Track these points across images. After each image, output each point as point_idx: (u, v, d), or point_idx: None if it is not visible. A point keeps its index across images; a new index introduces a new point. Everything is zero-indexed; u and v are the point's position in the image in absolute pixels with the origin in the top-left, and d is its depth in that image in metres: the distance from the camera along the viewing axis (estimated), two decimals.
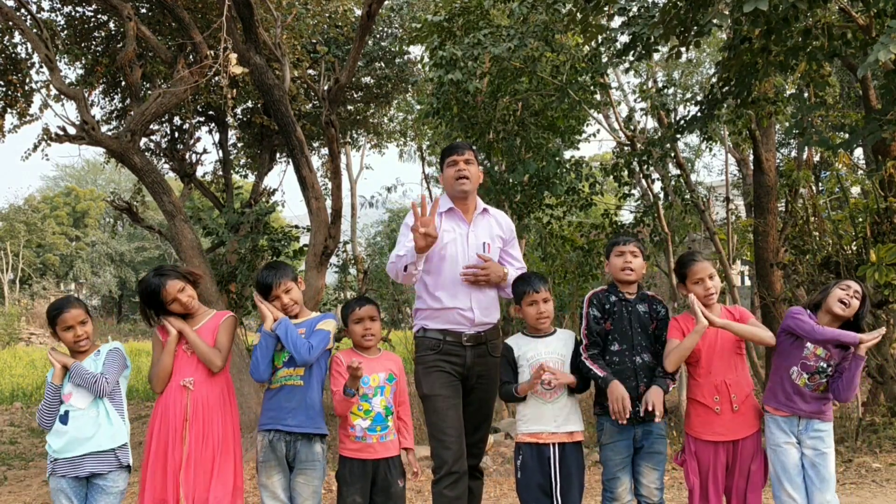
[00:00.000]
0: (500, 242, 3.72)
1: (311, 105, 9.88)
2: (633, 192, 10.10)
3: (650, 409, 3.35)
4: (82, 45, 8.87)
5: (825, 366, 3.41)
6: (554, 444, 3.40)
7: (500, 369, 3.59)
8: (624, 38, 6.55)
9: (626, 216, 10.78)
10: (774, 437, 3.44)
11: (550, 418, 3.42)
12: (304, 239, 8.84)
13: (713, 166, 32.37)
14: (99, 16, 8.82)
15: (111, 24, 8.88)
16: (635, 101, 8.83)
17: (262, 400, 3.54)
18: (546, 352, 3.50)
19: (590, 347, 3.51)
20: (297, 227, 9.53)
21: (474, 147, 3.73)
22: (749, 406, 3.47)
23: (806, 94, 7.47)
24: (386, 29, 10.29)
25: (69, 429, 3.25)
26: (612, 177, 8.38)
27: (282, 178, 15.12)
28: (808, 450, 3.40)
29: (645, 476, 3.48)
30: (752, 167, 9.22)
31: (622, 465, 3.47)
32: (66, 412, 3.28)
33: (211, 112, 10.36)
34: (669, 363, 3.43)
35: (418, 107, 10.92)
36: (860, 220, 6.81)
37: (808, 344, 3.42)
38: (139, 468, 3.46)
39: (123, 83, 8.83)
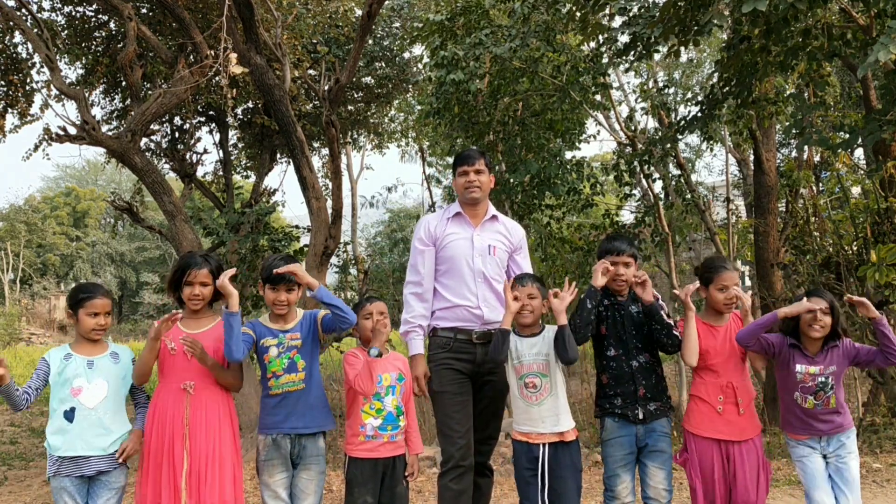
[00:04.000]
0: (506, 247, 3.78)
1: (311, 105, 9.88)
2: (633, 192, 10.09)
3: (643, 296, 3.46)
4: (83, 45, 8.88)
5: (824, 380, 3.39)
6: (543, 445, 3.38)
7: None
8: (624, 38, 6.55)
9: (626, 216, 10.79)
10: (798, 451, 3.46)
11: (538, 419, 3.40)
12: (305, 239, 8.84)
13: (714, 166, 32.48)
14: (99, 16, 8.83)
15: (111, 24, 8.89)
16: (636, 101, 8.83)
17: (261, 405, 3.50)
18: (530, 354, 3.44)
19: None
20: (297, 227, 9.53)
21: (486, 154, 3.83)
22: (752, 409, 3.48)
23: (806, 94, 7.47)
24: (386, 29, 10.29)
25: (74, 427, 3.20)
26: (612, 177, 8.39)
27: (282, 178, 15.17)
28: (832, 458, 3.42)
29: (651, 477, 3.43)
30: (752, 167, 9.21)
31: (622, 462, 3.43)
32: (73, 409, 3.22)
33: (211, 112, 10.37)
34: (691, 360, 3.47)
35: (419, 107, 10.93)
36: (860, 220, 6.81)
37: (797, 368, 3.41)
38: (135, 469, 3.46)
39: (124, 83, 8.84)
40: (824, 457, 3.43)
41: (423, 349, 3.63)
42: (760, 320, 3.41)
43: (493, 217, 3.79)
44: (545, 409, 3.41)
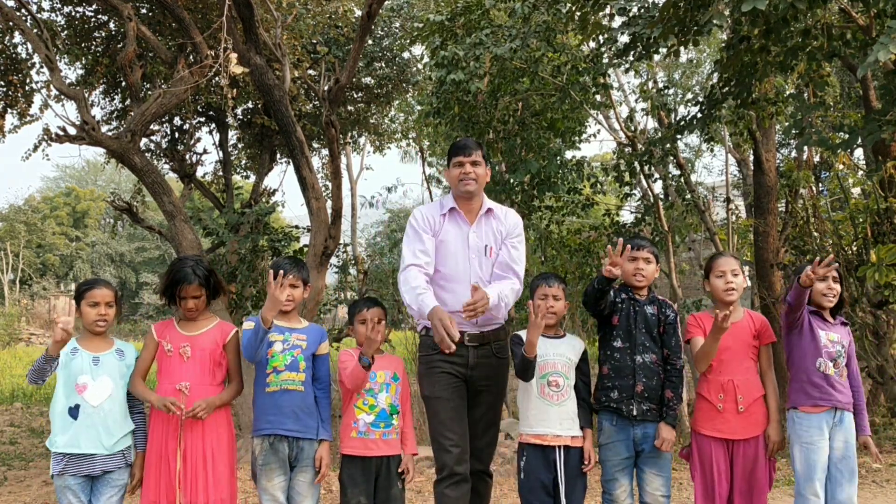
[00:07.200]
0: (501, 242, 3.58)
1: (311, 105, 9.88)
2: (633, 192, 10.09)
3: (661, 447, 3.39)
4: (82, 45, 8.87)
5: (841, 348, 3.46)
6: (559, 447, 3.39)
7: (509, 352, 3.57)
8: (624, 39, 6.55)
9: (626, 216, 10.78)
10: (808, 434, 3.40)
11: (556, 421, 3.40)
12: (305, 239, 8.83)
13: (713, 166, 32.41)
14: (99, 16, 8.82)
15: (111, 25, 8.88)
16: (636, 101, 8.84)
17: (255, 406, 3.48)
18: (554, 353, 3.47)
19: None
20: (297, 227, 9.52)
21: (483, 145, 3.63)
22: (756, 409, 3.45)
23: (806, 95, 7.47)
24: (386, 29, 10.28)
25: (79, 425, 3.22)
26: (612, 177, 8.39)
27: (282, 178, 15.16)
28: (839, 443, 3.40)
29: (649, 483, 3.42)
30: (752, 167, 9.21)
31: (621, 466, 3.44)
32: (78, 406, 3.24)
33: (211, 112, 10.36)
34: (700, 366, 3.49)
35: (419, 107, 10.93)
36: (860, 220, 6.80)
37: (821, 333, 3.45)
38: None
39: (124, 83, 8.82)
40: (829, 440, 3.40)
41: (435, 302, 3.28)
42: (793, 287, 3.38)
43: (489, 211, 3.58)
44: (565, 410, 3.41)
